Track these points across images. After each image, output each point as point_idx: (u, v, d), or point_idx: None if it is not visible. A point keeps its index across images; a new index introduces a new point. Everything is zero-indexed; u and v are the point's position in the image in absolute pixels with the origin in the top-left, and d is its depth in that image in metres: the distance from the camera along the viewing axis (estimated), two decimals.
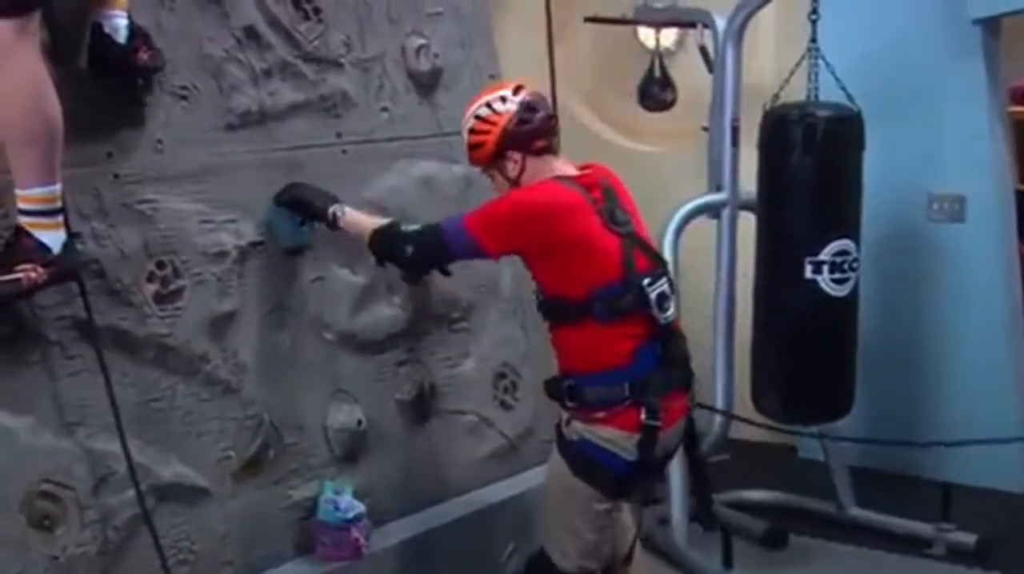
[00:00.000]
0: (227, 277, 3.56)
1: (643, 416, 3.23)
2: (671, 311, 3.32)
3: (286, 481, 3.72)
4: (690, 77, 5.15)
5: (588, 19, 5.24)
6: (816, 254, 4.10)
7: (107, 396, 3.17)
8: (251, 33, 3.64)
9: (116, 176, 3.30)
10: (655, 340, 3.28)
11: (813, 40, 4.05)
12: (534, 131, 3.35)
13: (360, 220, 3.57)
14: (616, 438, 3.26)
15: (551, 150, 3.39)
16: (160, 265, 3.38)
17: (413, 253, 3.41)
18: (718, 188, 4.55)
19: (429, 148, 4.17)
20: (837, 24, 4.18)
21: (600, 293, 3.22)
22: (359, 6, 3.97)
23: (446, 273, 3.66)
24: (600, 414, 3.27)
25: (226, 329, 3.56)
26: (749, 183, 4.42)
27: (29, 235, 2.96)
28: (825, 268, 4.10)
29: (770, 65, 5.03)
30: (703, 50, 4.63)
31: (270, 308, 3.70)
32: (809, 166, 4.11)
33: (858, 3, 4.82)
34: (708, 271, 4.57)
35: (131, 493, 3.25)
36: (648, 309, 3.25)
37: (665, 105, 5.32)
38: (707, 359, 4.51)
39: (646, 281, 3.26)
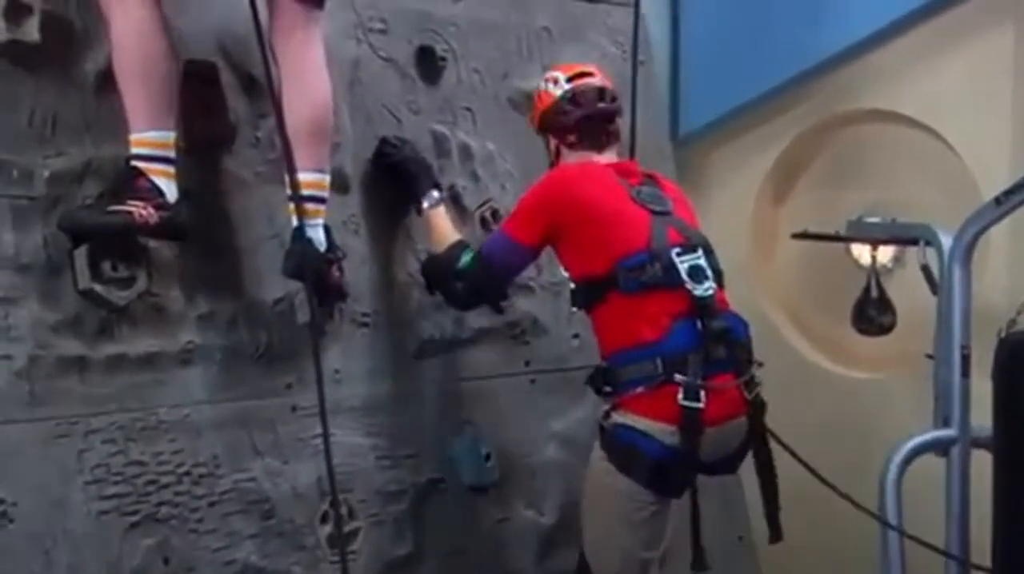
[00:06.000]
0: (404, 518, 3.54)
1: (680, 397, 3.17)
2: (709, 285, 3.31)
3: None
4: (911, 297, 4.98)
5: (795, 235, 5.15)
6: None
7: None
8: None
9: (294, 409, 3.34)
10: (693, 316, 3.26)
11: None
12: (568, 125, 3.48)
13: (436, 228, 3.57)
14: (655, 431, 3.21)
15: (588, 146, 3.48)
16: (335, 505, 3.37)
17: (464, 289, 3.47)
18: (946, 423, 4.33)
19: None
20: None
21: (624, 263, 3.26)
22: None
23: (499, 310, 3.73)
24: (635, 396, 3.22)
25: None
26: (982, 418, 4.19)
27: (144, 175, 3.01)
28: None
29: (1002, 284, 4.83)
30: (926, 269, 4.47)
31: (449, 552, 3.65)
32: None
33: None
34: (937, 516, 4.32)
35: None
36: (680, 282, 3.26)
37: (883, 329, 5.14)
38: None
39: (675, 251, 3.30)
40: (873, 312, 5.15)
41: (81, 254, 2.99)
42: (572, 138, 3.49)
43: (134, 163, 3.04)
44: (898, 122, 5.21)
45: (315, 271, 3.24)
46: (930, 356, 4.41)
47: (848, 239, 5.05)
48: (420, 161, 3.67)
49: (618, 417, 3.29)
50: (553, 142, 3.54)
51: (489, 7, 3.99)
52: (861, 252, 5.28)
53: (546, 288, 3.98)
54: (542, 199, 3.40)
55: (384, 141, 3.66)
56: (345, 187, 3.52)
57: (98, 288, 3.01)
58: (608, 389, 3.32)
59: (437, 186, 3.64)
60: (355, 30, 3.64)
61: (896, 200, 5.18)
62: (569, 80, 3.49)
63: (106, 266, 3.03)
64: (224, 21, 3.26)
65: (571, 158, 3.49)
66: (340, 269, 3.37)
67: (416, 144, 3.69)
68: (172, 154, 3.07)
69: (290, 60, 3.19)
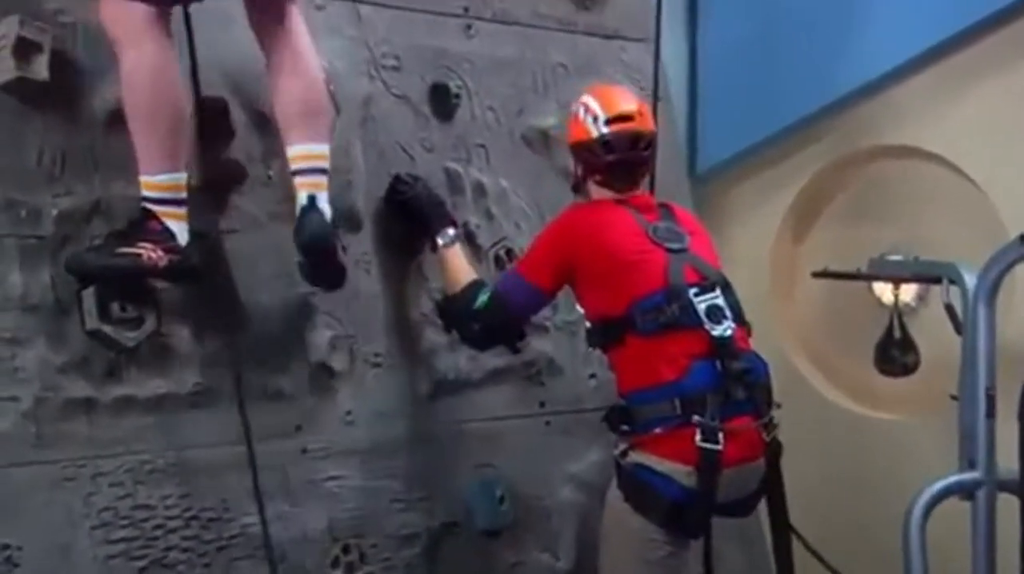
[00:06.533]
0: (417, 563, 3.52)
1: (698, 438, 3.16)
2: (728, 325, 3.32)
3: None
4: (934, 337, 4.95)
5: (816, 274, 5.12)
6: None
7: None
8: None
9: (304, 451, 3.33)
10: (712, 357, 3.27)
11: None
12: (598, 167, 3.46)
13: (452, 268, 3.57)
14: (672, 472, 3.21)
15: (613, 188, 3.48)
16: (346, 549, 3.37)
17: (480, 330, 3.49)
18: (971, 465, 4.29)
19: None
20: None
21: (641, 304, 3.27)
22: None
23: (515, 350, 3.73)
24: (653, 436, 3.23)
25: None
26: (1009, 460, 4.16)
27: (156, 218, 3.02)
28: None
29: None
30: (949, 309, 4.44)
31: None
32: None
33: None
34: (963, 562, 4.28)
35: None
36: (699, 322, 3.27)
37: (906, 369, 5.10)
38: None
39: (693, 291, 3.31)
40: (896, 352, 5.12)
41: (89, 295, 2.99)
42: (599, 177, 3.50)
43: (145, 205, 3.05)
44: (921, 158, 5.19)
45: (322, 240, 3.19)
46: (954, 397, 4.37)
47: (870, 277, 5.02)
48: (433, 199, 3.67)
49: (635, 456, 3.29)
50: (580, 168, 3.55)
51: (504, 43, 3.99)
52: (883, 291, 5.25)
53: (561, 328, 3.96)
54: (556, 240, 3.42)
55: (397, 178, 3.66)
56: (357, 225, 3.53)
57: (106, 329, 3.01)
58: (625, 427, 3.32)
59: (453, 223, 3.64)
60: (368, 67, 3.65)
61: (919, 238, 5.16)
62: (607, 123, 3.45)
63: (114, 307, 3.04)
64: (235, 57, 3.26)
65: (593, 191, 3.52)
66: (343, 247, 3.37)
67: (429, 181, 3.69)
68: (183, 195, 3.08)
69: (279, 49, 3.17)
